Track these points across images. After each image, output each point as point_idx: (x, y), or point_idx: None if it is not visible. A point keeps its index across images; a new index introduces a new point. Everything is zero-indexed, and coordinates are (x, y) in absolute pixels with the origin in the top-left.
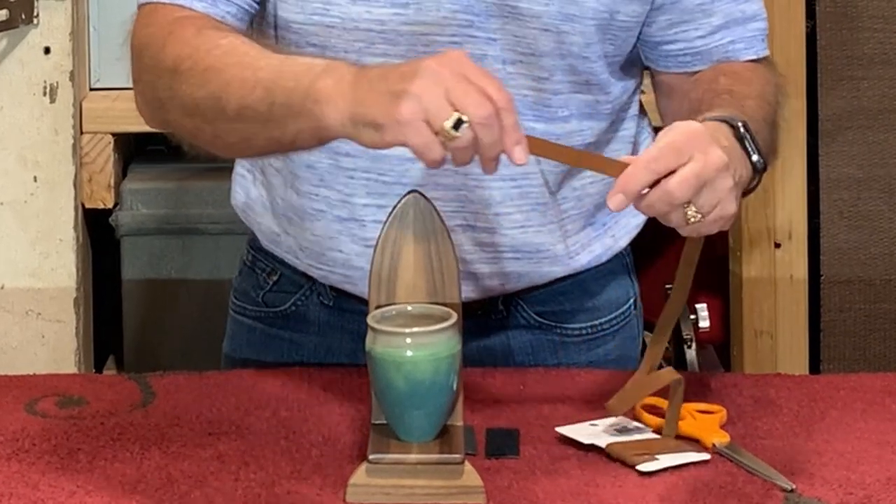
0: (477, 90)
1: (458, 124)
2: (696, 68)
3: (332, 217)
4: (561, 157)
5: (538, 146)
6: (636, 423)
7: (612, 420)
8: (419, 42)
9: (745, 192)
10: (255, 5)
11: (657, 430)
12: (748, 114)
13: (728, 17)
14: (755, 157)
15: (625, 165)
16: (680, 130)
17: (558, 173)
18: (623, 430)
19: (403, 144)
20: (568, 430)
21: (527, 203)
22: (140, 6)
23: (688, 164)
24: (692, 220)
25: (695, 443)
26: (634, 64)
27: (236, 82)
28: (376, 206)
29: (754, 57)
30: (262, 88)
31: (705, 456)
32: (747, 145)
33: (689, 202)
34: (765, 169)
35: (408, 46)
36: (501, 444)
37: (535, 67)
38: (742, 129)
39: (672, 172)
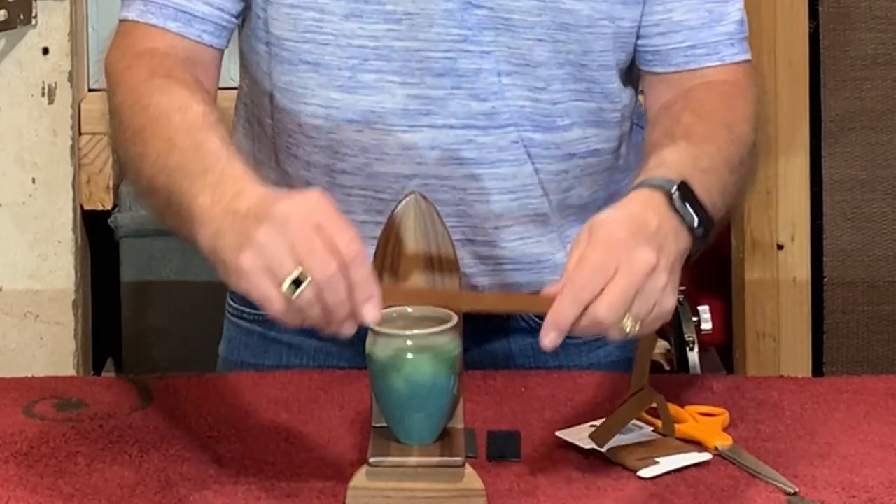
0: (323, 245)
1: (298, 282)
2: (658, 69)
3: None
4: (457, 302)
5: (408, 295)
6: (635, 422)
7: None
8: (413, 58)
9: (695, 253)
10: (232, 20)
11: (657, 430)
12: (703, 162)
13: (689, 15)
14: (694, 225)
15: (546, 299)
16: (600, 242)
17: (559, 181)
18: (624, 431)
19: (246, 292)
20: (568, 434)
21: (526, 215)
22: (120, 21)
23: (614, 282)
24: (631, 331)
25: (696, 444)
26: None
27: (152, 157)
28: (374, 223)
29: (718, 63)
30: (166, 177)
31: (706, 456)
32: (683, 214)
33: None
34: (708, 232)
35: (402, 63)
36: (502, 447)
37: (531, 78)
38: (677, 197)
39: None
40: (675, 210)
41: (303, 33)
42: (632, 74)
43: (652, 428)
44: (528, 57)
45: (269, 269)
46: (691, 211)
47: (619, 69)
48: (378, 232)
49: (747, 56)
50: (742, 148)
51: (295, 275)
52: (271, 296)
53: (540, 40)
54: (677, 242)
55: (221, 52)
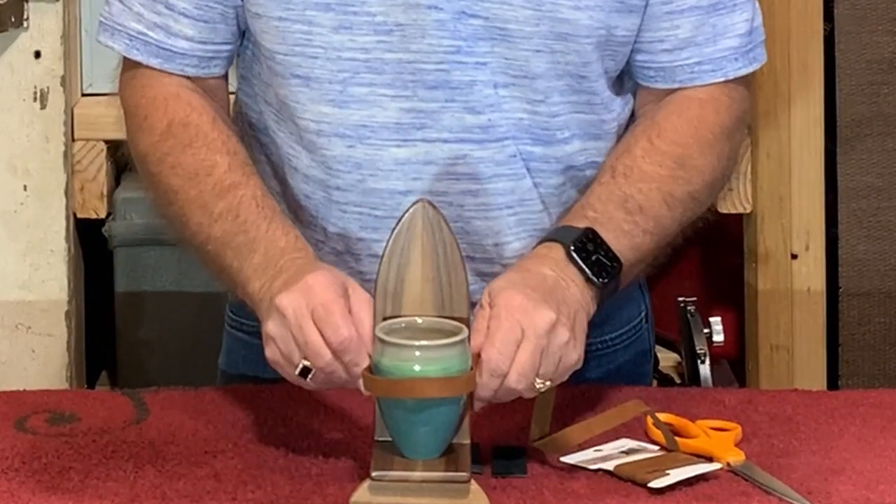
0: (315, 337)
1: (306, 370)
2: (659, 85)
3: (330, 249)
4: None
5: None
6: (641, 444)
7: (616, 444)
8: (405, 70)
9: (608, 297)
10: (222, 48)
11: (664, 449)
12: (634, 202)
13: (696, 31)
14: (589, 275)
15: (466, 379)
16: (501, 311)
17: (559, 194)
18: (630, 452)
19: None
20: (573, 459)
21: (524, 230)
22: (123, 58)
23: (520, 353)
24: (541, 388)
25: (706, 458)
26: (629, 76)
27: (193, 226)
28: (371, 240)
29: (722, 79)
30: (214, 248)
31: (716, 466)
32: (579, 265)
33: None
34: (611, 280)
35: (394, 75)
36: (508, 463)
37: (528, 90)
38: (574, 251)
39: None
40: (574, 262)
41: (292, 46)
42: (622, 84)
43: (658, 447)
44: (526, 68)
45: (285, 359)
46: (587, 265)
47: (607, 77)
48: (376, 249)
49: (751, 68)
50: (694, 181)
51: (301, 365)
52: (295, 379)
53: (537, 51)
54: (581, 293)
55: (220, 76)
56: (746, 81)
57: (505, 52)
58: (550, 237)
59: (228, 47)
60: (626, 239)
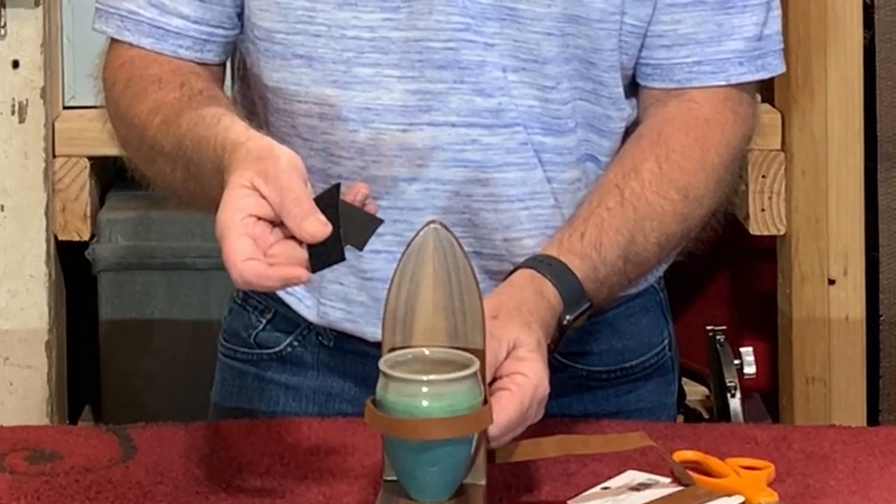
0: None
1: None
2: (656, 84)
3: None
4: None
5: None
6: (648, 476)
7: (623, 479)
8: (412, 49)
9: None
10: (218, 31)
11: (676, 481)
12: (635, 250)
13: (698, 28)
14: (565, 323)
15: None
16: (524, 391)
17: (573, 191)
18: (640, 488)
19: None
20: (583, 501)
21: (536, 227)
22: (95, 30)
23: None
24: None
25: (723, 490)
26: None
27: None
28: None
29: (723, 83)
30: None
31: (738, 500)
32: (564, 325)
33: None
34: (584, 312)
35: (400, 54)
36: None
37: (539, 76)
38: (567, 320)
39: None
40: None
41: (293, 24)
42: (635, 86)
43: (669, 479)
44: (536, 52)
45: None
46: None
47: (624, 75)
48: (377, 245)
49: (758, 76)
50: (692, 216)
51: None
52: None
53: (548, 34)
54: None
55: (218, 64)
56: (752, 94)
57: (514, 34)
58: (553, 277)
59: (224, 31)
60: (610, 290)
